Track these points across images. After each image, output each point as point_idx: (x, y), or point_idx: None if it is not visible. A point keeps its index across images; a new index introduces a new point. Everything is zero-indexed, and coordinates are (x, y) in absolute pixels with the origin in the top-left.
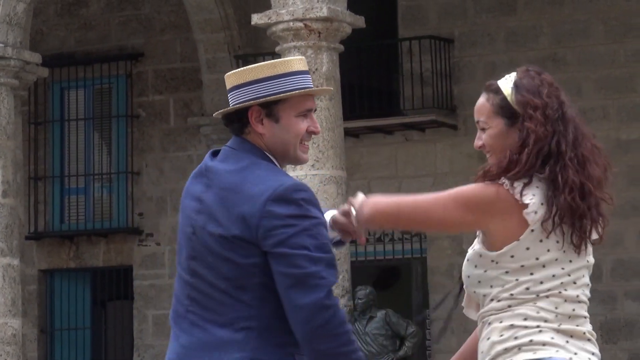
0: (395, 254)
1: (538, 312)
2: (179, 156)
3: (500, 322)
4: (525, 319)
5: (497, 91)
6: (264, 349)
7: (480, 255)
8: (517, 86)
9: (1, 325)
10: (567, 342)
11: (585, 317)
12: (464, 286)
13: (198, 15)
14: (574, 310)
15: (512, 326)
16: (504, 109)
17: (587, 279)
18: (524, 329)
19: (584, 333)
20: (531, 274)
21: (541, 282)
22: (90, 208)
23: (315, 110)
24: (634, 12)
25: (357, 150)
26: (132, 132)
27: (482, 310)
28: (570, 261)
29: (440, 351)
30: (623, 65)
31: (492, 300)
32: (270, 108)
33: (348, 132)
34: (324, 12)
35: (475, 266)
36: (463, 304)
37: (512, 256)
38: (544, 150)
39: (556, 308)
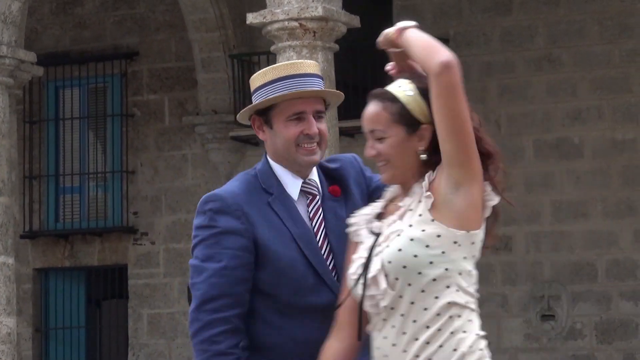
0: None
1: (473, 319)
2: (173, 155)
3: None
4: (469, 321)
5: (394, 99)
6: None
7: (438, 236)
8: (423, 92)
9: None
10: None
11: None
12: (388, 268)
13: (193, 14)
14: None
15: (449, 335)
16: (404, 117)
17: None
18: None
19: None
20: (475, 267)
21: (476, 280)
22: (85, 207)
23: (321, 111)
24: (629, 13)
25: (352, 150)
26: (127, 131)
27: (426, 305)
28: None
29: None
30: (618, 65)
31: (447, 287)
32: (266, 115)
33: (343, 132)
34: (319, 11)
35: (427, 246)
36: (371, 292)
37: (472, 243)
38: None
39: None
